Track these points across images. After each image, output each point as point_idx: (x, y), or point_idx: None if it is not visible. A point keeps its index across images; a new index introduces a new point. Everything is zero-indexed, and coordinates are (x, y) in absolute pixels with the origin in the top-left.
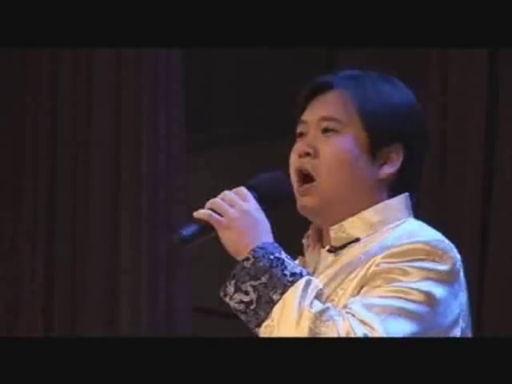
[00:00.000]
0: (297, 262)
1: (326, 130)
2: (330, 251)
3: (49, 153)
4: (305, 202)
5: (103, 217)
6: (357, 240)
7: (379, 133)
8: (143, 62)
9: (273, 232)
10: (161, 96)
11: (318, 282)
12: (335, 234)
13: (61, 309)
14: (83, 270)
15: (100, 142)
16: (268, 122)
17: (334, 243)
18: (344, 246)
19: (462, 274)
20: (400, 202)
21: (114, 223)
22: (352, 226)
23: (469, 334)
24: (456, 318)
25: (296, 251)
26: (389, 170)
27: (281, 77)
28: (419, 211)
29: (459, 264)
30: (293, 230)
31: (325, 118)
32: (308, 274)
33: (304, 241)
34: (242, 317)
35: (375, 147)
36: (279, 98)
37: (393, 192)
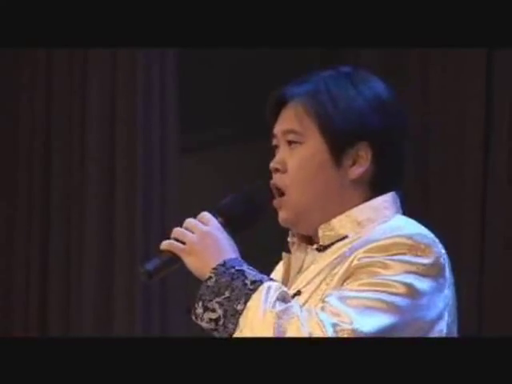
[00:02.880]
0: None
1: (290, 143)
2: (318, 250)
3: (44, 153)
4: (280, 215)
5: (98, 217)
6: (344, 238)
7: (338, 135)
8: (138, 61)
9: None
10: (155, 96)
11: (279, 285)
12: (323, 232)
13: (55, 309)
14: (78, 270)
15: (95, 141)
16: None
17: (322, 241)
18: (332, 244)
19: (447, 268)
20: (386, 199)
21: (109, 223)
22: (340, 224)
23: (455, 329)
24: (441, 311)
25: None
26: (359, 169)
27: (280, 76)
28: (418, 211)
29: (444, 259)
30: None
31: (286, 132)
32: (269, 279)
33: (289, 238)
34: (215, 334)
35: (338, 150)
36: None
37: (375, 190)
